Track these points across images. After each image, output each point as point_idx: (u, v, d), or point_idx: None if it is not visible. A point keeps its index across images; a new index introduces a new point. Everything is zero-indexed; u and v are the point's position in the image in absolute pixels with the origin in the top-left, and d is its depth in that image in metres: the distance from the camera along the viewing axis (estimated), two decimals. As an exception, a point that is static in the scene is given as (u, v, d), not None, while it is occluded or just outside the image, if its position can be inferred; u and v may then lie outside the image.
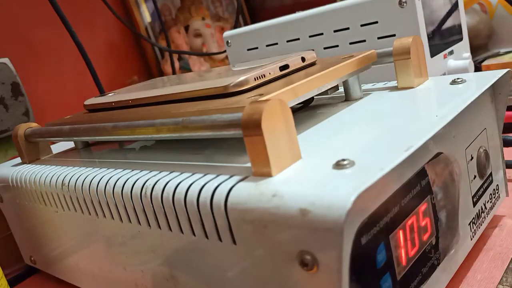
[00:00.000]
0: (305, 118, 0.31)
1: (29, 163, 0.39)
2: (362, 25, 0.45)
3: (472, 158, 0.29)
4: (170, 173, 0.25)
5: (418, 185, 0.24)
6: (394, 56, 0.32)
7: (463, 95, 0.27)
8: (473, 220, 0.29)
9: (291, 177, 0.20)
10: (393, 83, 0.35)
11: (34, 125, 0.40)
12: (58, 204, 0.33)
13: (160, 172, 0.26)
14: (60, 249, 0.37)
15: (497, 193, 0.33)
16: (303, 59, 0.32)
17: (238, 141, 0.28)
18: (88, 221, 0.31)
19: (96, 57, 0.90)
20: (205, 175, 0.23)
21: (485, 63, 0.64)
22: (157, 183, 0.25)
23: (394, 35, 0.43)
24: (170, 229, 0.25)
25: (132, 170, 0.28)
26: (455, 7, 0.50)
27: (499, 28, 0.69)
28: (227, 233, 0.21)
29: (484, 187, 0.31)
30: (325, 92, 0.34)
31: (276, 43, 0.53)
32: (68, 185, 0.31)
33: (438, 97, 0.29)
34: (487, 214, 0.31)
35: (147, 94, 0.33)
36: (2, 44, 0.77)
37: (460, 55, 0.50)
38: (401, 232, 0.22)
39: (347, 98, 0.33)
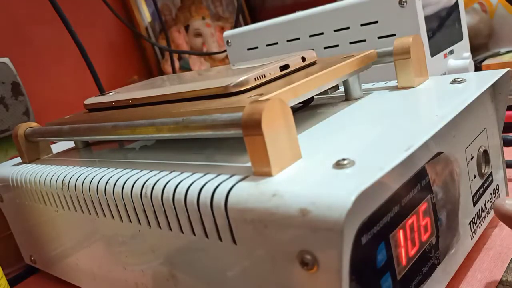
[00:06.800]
0: (305, 117, 0.31)
1: (29, 163, 0.39)
2: (362, 25, 0.45)
3: (472, 157, 0.29)
4: (170, 172, 0.25)
5: (418, 184, 0.24)
6: (394, 56, 0.32)
7: (463, 95, 0.27)
8: (473, 220, 0.29)
9: (291, 177, 0.20)
10: (393, 83, 0.35)
11: (34, 124, 0.40)
12: (58, 203, 0.33)
13: (160, 172, 0.26)
14: (60, 249, 0.37)
15: (497, 192, 0.33)
16: (303, 59, 0.32)
17: (238, 140, 0.28)
18: (88, 221, 0.31)
19: (96, 57, 0.90)
20: (205, 174, 0.23)
21: (485, 62, 0.64)
22: (157, 183, 0.25)
23: (394, 35, 0.43)
24: (170, 229, 0.25)
25: (132, 170, 0.28)
26: (455, 6, 0.50)
27: (499, 28, 0.69)
28: (227, 232, 0.21)
29: (484, 186, 0.31)
30: (325, 92, 0.34)
31: (276, 43, 0.53)
32: (68, 185, 0.31)
33: (438, 96, 0.29)
34: (487, 213, 0.31)
35: (147, 93, 0.33)
36: (2, 44, 0.77)
37: (460, 55, 0.50)
38: (401, 232, 0.22)
39: (347, 97, 0.33)
